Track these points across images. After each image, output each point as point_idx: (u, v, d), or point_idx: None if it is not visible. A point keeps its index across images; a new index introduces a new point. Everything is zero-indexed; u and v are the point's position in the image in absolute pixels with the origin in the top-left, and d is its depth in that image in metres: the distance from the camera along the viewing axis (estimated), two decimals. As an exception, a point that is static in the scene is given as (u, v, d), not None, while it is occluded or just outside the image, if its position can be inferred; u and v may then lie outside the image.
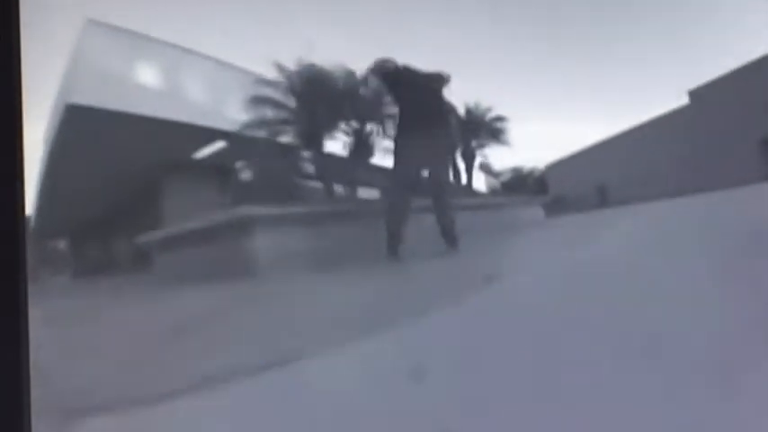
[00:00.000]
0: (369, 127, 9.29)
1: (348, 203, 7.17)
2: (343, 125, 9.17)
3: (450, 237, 4.37)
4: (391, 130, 8.56)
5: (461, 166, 10.61)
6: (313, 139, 8.73)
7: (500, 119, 11.37)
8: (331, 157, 8.97)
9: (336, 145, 9.32)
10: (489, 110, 11.34)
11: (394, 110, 8.52)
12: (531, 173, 15.78)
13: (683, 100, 12.78)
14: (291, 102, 8.74)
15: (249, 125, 8.38)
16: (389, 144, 8.50)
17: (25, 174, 0.72)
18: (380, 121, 9.19)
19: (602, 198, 13.48)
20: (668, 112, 13.21)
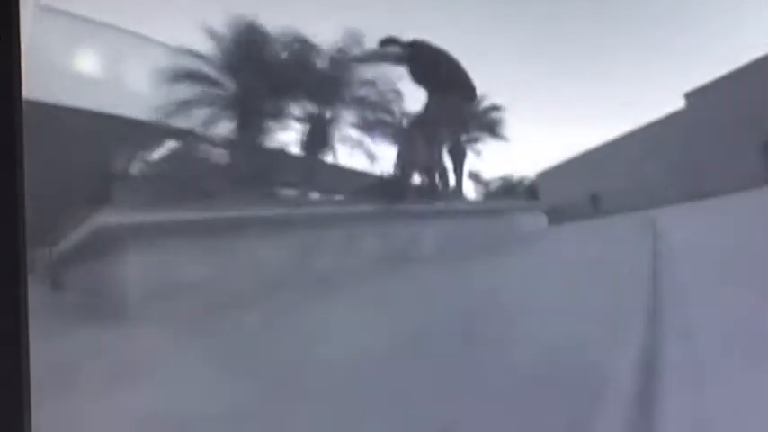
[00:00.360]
0: (329, 113, 6.98)
1: (272, 210, 4.49)
2: (293, 109, 6.95)
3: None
4: (353, 117, 6.88)
5: (449, 165, 8.88)
6: (250, 127, 6.68)
7: (495, 108, 9.78)
8: (273, 151, 6.87)
9: (283, 135, 6.83)
10: (483, 98, 9.63)
11: (363, 91, 6.73)
12: (521, 181, 15.30)
13: (680, 103, 12.66)
14: (223, 78, 6.59)
15: (166, 109, 6.09)
16: (355, 134, 6.75)
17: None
18: (344, 104, 6.96)
19: (596, 206, 13.27)
20: (664, 116, 13.03)
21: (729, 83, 11.02)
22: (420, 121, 4.27)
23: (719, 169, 10.68)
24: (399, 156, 4.26)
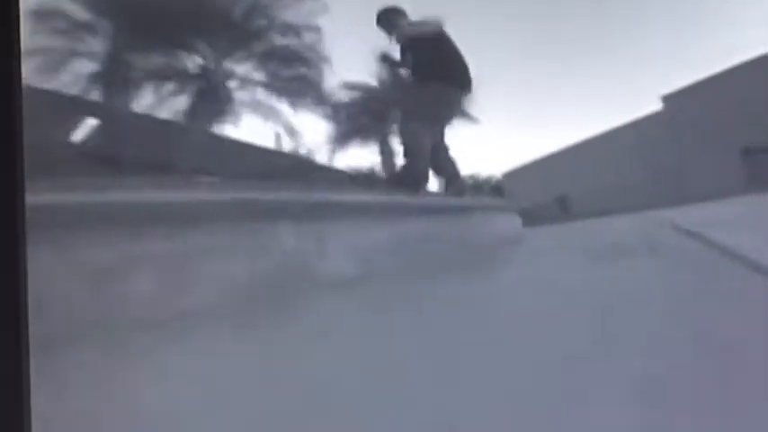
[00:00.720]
0: (230, 66, 5.01)
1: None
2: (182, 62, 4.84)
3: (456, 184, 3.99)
4: (261, 74, 5.44)
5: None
6: (123, 87, 4.76)
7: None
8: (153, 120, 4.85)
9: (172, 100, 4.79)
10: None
11: (278, 38, 5.34)
12: (487, 180, 15.24)
13: (656, 105, 12.70)
14: (91, 17, 4.66)
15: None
16: (261, 97, 5.47)
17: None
18: (253, 56, 5.19)
19: (564, 209, 12.97)
20: (639, 118, 12.94)
21: (708, 86, 11.13)
22: (419, 111, 3.76)
23: (697, 174, 10.78)
24: (409, 145, 3.77)
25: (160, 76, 4.84)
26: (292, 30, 5.37)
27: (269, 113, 5.25)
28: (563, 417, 1.02)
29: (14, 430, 0.69)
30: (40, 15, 4.52)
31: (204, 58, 5.11)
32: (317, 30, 5.38)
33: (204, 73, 5.11)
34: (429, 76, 3.66)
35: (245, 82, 5.22)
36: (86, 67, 4.71)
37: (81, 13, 4.66)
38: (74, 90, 4.63)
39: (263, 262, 2.02)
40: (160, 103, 4.93)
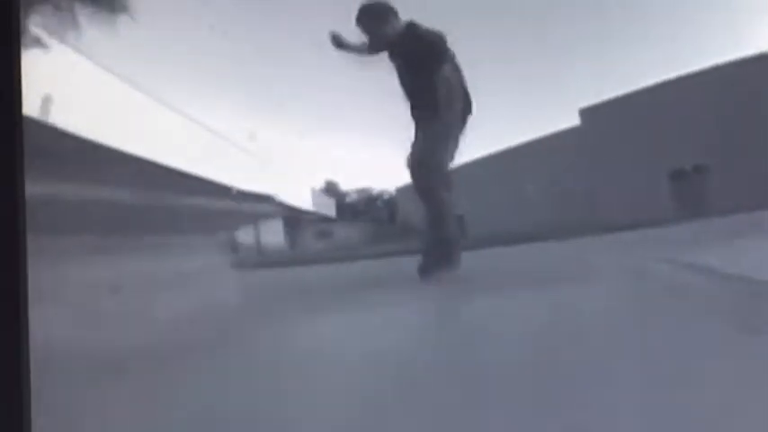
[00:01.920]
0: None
1: None
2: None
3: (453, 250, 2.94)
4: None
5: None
6: None
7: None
8: None
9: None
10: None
11: None
12: (380, 196, 13.17)
13: (573, 120, 10.24)
14: None
15: None
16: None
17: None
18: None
19: (461, 231, 11.87)
20: (552, 134, 10.16)
21: (633, 102, 9.43)
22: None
23: (618, 197, 9.11)
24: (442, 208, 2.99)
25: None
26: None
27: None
28: None
29: (14, 430, 0.69)
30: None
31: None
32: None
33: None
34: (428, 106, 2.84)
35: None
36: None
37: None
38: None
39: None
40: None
